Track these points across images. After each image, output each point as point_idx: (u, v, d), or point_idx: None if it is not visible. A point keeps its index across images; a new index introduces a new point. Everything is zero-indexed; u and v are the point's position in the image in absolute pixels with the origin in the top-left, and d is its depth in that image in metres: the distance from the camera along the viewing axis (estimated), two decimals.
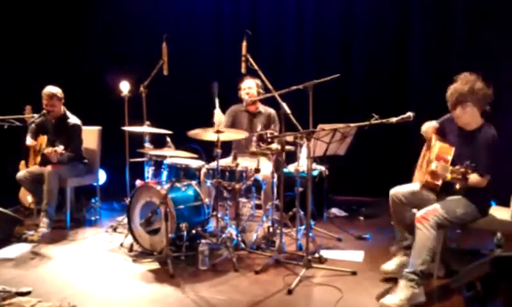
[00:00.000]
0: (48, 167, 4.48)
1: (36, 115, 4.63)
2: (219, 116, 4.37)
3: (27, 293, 3.00)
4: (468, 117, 3.05)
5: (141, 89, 4.38)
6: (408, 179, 3.50)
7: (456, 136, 3.15)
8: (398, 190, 3.30)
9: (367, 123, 3.05)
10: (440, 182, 3.00)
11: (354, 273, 3.34)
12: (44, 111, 4.58)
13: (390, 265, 3.30)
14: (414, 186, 3.30)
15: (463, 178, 2.69)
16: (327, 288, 3.13)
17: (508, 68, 4.75)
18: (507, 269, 1.84)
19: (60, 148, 4.34)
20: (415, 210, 3.24)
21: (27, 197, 4.97)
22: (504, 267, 1.84)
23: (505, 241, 3.42)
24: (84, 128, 4.83)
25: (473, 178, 2.84)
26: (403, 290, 2.84)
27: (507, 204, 3.22)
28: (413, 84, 5.47)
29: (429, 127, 3.33)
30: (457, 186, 2.75)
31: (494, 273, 1.85)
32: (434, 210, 2.97)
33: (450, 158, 2.93)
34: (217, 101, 4.39)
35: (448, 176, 2.76)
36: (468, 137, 3.07)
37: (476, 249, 3.80)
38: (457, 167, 2.72)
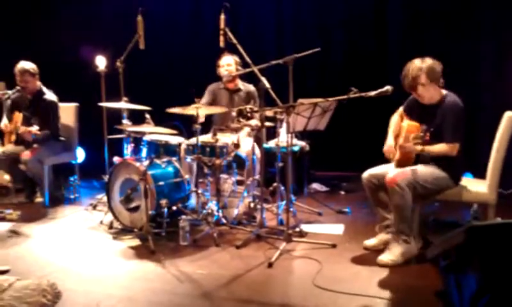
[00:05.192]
0: (25, 156, 4.38)
1: (9, 91, 4.52)
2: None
3: (6, 272, 2.96)
4: (430, 93, 3.13)
5: (118, 64, 4.29)
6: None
7: (421, 113, 3.22)
8: (370, 173, 3.31)
9: (345, 96, 3.04)
10: (412, 156, 3.12)
11: (333, 246, 3.38)
12: (18, 87, 4.47)
13: (371, 241, 3.35)
14: (386, 168, 3.30)
15: (423, 141, 2.91)
16: (307, 260, 3.17)
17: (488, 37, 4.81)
18: (479, 238, 1.89)
19: (34, 128, 4.24)
20: None
21: (4, 176, 4.87)
22: (476, 236, 1.88)
23: (481, 212, 3.50)
24: (61, 105, 4.74)
25: (441, 147, 3.04)
26: (395, 247, 3.04)
27: (483, 177, 3.28)
28: (392, 60, 5.47)
29: (390, 146, 3.34)
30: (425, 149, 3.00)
31: (467, 242, 1.90)
32: (404, 173, 3.04)
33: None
34: None
35: (418, 147, 2.99)
36: (433, 110, 3.15)
37: (453, 221, 3.88)
38: (420, 134, 2.93)
